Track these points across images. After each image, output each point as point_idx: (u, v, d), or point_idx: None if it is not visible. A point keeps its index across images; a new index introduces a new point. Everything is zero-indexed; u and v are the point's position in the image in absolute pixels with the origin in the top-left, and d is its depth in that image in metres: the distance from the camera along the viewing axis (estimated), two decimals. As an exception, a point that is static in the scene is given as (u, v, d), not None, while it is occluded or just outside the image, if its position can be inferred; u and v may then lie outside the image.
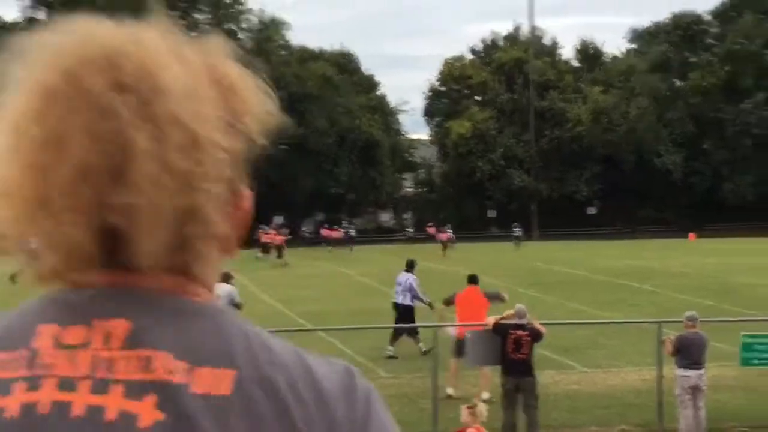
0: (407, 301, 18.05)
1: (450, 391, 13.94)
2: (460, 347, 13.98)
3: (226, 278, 16.93)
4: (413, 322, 17.70)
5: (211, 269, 1.02)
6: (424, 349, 16.15)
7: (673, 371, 12.12)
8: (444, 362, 13.76)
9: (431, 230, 55.98)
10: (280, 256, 42.58)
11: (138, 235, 0.95)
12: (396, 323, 17.64)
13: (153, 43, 0.98)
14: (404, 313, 18.01)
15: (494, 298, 15.25)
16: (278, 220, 58.91)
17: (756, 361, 12.19)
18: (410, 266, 18.73)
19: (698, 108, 71.57)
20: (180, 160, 0.95)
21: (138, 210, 0.94)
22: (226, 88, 1.01)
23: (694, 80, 71.33)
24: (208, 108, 0.98)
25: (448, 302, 15.46)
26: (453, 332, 14.48)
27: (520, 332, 11.99)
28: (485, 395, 13.72)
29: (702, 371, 11.93)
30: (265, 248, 44.75)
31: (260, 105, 1.03)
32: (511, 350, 11.94)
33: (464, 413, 8.97)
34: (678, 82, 74.45)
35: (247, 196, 1.04)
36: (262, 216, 63.33)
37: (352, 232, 56.39)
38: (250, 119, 1.02)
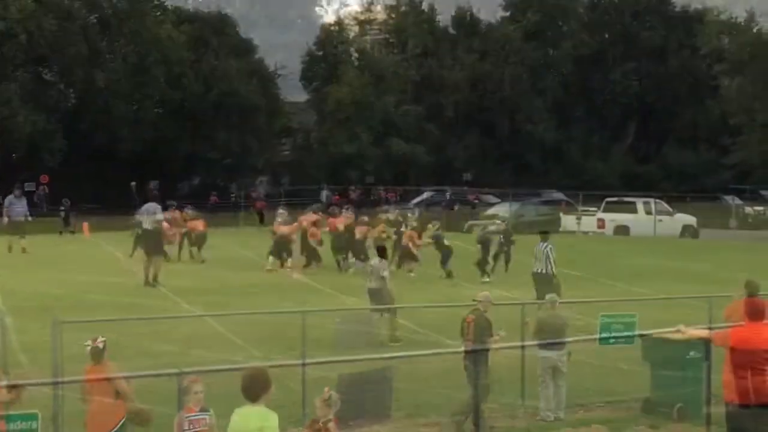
0: (548, 270, 18.98)
1: None
2: None
3: (382, 252, 17.43)
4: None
5: None
6: None
7: (535, 352, 12.56)
8: (309, 344, 13.79)
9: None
10: None
11: None
12: (537, 292, 17.98)
13: None
14: (542, 279, 18.77)
15: None
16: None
17: (612, 341, 12.72)
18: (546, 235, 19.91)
19: (570, 77, 73.47)
20: None
21: None
22: None
23: (566, 50, 72.98)
24: None
25: None
26: None
27: (469, 317, 12.30)
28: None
29: (562, 352, 12.41)
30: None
31: None
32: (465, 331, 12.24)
33: (318, 405, 8.48)
34: (551, 51, 76.01)
35: None
36: (138, 179, 61.73)
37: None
38: None
